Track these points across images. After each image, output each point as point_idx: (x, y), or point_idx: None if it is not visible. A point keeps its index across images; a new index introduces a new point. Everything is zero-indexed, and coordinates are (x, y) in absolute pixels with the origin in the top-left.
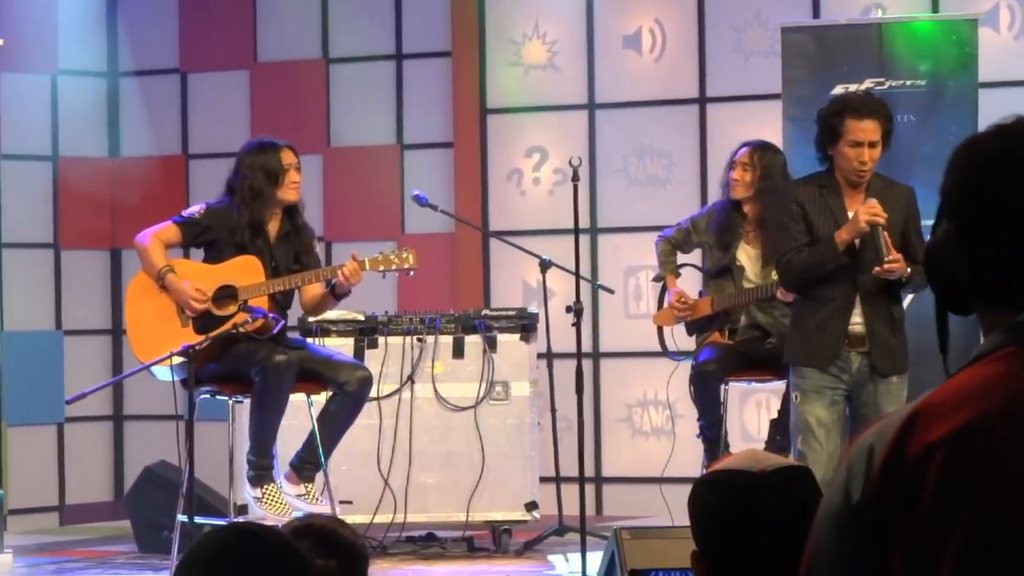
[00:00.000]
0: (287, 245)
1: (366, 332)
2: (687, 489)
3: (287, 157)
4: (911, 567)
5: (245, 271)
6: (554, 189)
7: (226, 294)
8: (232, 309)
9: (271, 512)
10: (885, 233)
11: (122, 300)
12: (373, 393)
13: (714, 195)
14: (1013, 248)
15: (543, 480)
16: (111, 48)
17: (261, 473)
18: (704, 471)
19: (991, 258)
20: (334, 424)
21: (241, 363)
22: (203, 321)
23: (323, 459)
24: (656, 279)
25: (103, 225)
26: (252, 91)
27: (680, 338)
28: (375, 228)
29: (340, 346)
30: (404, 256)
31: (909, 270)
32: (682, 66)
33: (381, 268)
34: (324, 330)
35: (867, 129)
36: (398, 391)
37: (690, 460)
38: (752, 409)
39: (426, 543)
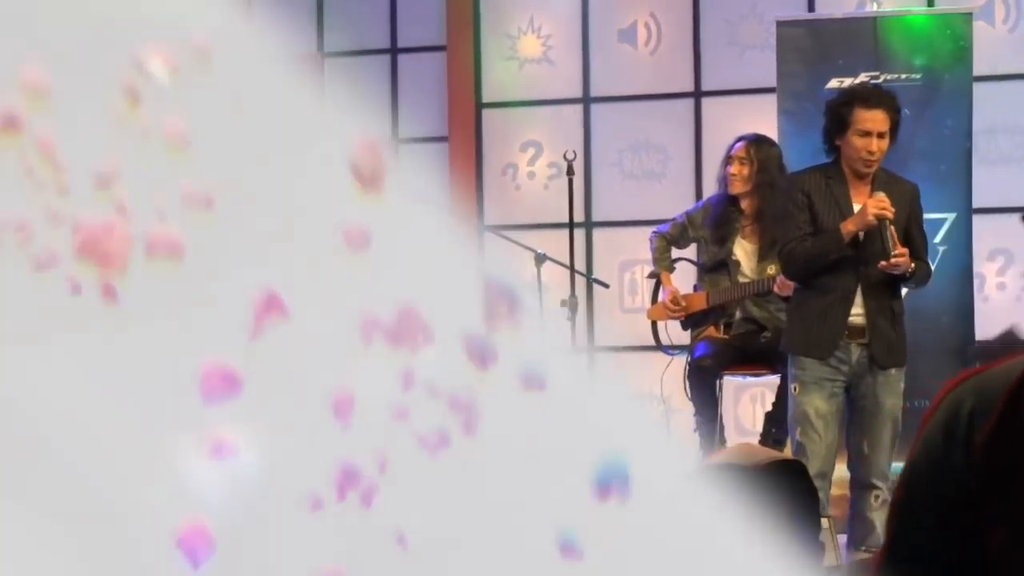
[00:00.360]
0: None
1: None
2: None
3: None
4: (1016, 545)
5: None
6: (549, 183)
7: None
8: None
9: None
10: (892, 228)
11: None
12: None
13: (709, 189)
14: None
15: None
16: None
17: None
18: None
19: None
20: None
21: None
22: None
23: None
24: (651, 275)
25: None
26: None
27: (674, 332)
28: None
29: None
30: None
31: (913, 265)
32: (677, 60)
33: None
34: None
35: (876, 119)
36: None
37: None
38: (747, 403)
39: None
